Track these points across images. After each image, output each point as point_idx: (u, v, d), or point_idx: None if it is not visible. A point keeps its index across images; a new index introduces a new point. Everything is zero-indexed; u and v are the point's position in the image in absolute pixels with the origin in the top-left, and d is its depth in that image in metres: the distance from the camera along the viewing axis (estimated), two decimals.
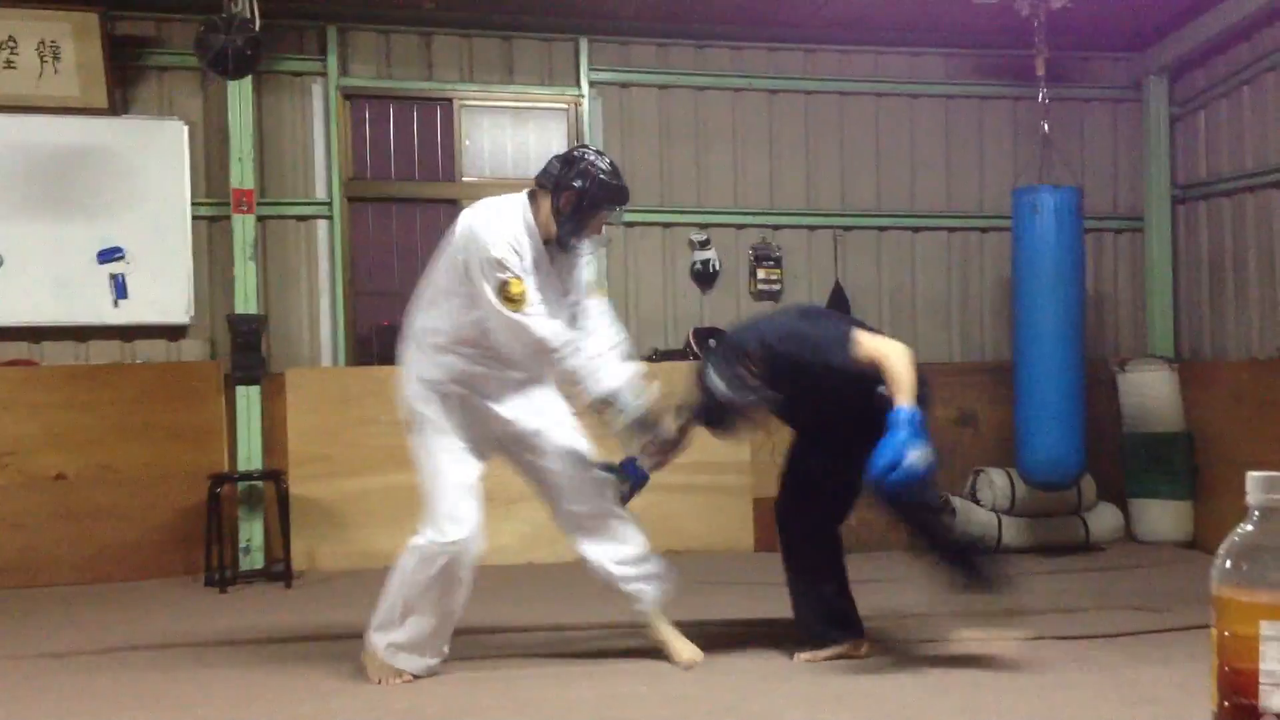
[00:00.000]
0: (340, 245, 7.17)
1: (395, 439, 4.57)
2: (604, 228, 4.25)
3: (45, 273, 6.71)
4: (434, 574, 4.04)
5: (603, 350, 4.19)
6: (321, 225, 7.21)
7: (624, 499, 4.41)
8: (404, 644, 4.14)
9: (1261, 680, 1.51)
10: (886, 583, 6.14)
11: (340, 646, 4.73)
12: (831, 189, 7.82)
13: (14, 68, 6.69)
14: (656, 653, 4.49)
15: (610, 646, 4.67)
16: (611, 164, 4.18)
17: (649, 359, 6.94)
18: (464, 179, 7.38)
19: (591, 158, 4.17)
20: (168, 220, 6.90)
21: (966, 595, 4.58)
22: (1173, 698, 3.94)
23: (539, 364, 4.16)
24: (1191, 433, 7.24)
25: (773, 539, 6.80)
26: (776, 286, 7.59)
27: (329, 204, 7.19)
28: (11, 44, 6.67)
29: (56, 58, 6.74)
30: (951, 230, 7.92)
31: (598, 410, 4.20)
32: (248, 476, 6.57)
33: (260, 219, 6.93)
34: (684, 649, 4.40)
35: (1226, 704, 1.55)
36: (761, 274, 7.61)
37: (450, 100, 7.39)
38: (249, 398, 6.71)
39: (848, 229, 7.77)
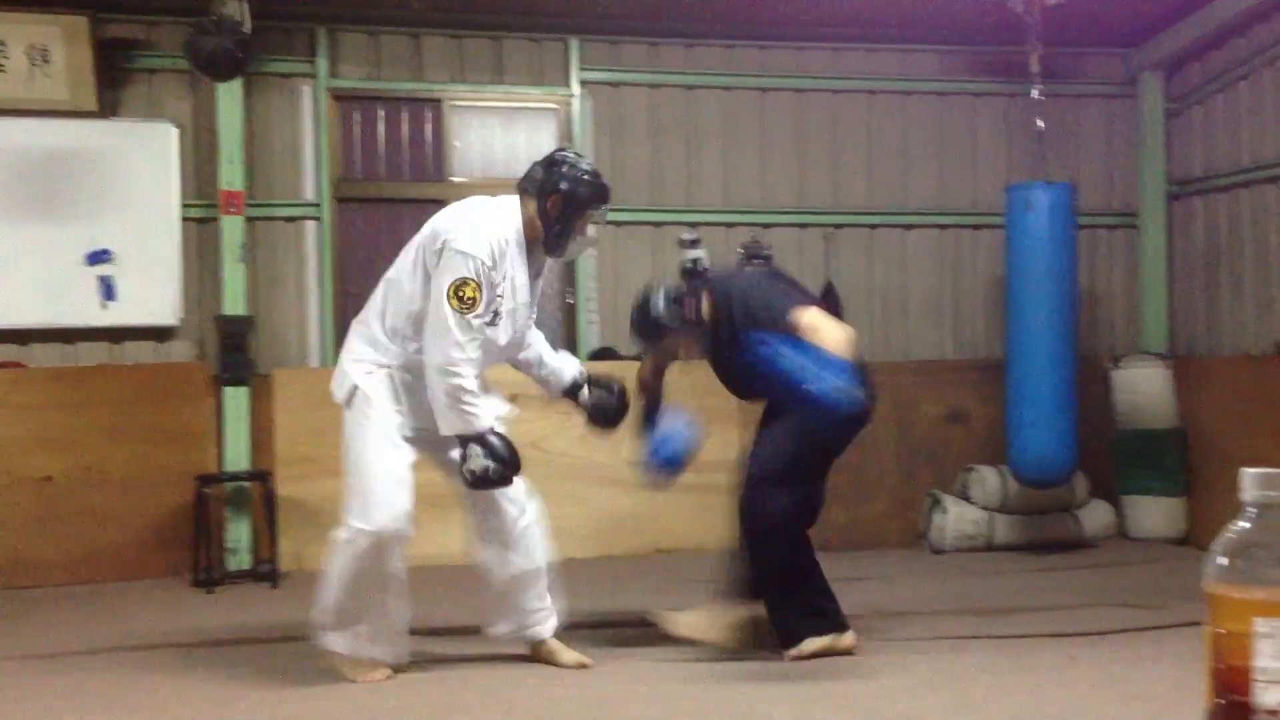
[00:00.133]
0: (329, 246, 7.14)
1: None
2: (590, 229, 4.27)
3: (33, 275, 6.67)
4: (369, 564, 4.02)
5: (552, 357, 4.50)
6: (310, 226, 7.18)
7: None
8: (368, 634, 4.12)
9: (1255, 677, 1.49)
10: (877, 580, 6.16)
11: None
12: (823, 187, 7.79)
13: (3, 70, 6.66)
14: (643, 652, 4.54)
15: (597, 646, 4.66)
16: (592, 165, 4.27)
17: (636, 359, 6.90)
18: (453, 179, 7.35)
19: (574, 160, 4.23)
20: (156, 222, 6.86)
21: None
22: (1165, 694, 3.94)
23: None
24: (1185, 429, 7.23)
25: None
26: None
27: (318, 205, 7.17)
28: (1, 47, 6.62)
29: (46, 60, 6.70)
30: (944, 228, 7.90)
31: (569, 397, 4.48)
32: (235, 477, 6.56)
33: (249, 220, 6.89)
34: (572, 656, 4.44)
35: (1220, 701, 1.54)
36: None
37: (439, 101, 7.36)
38: (237, 399, 6.68)
39: (839, 227, 7.74)
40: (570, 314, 7.50)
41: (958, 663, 4.44)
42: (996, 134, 7.96)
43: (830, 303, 7.43)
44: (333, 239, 7.16)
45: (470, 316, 3.94)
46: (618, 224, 7.27)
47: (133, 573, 6.34)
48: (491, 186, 7.37)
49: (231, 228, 6.81)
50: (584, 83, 7.50)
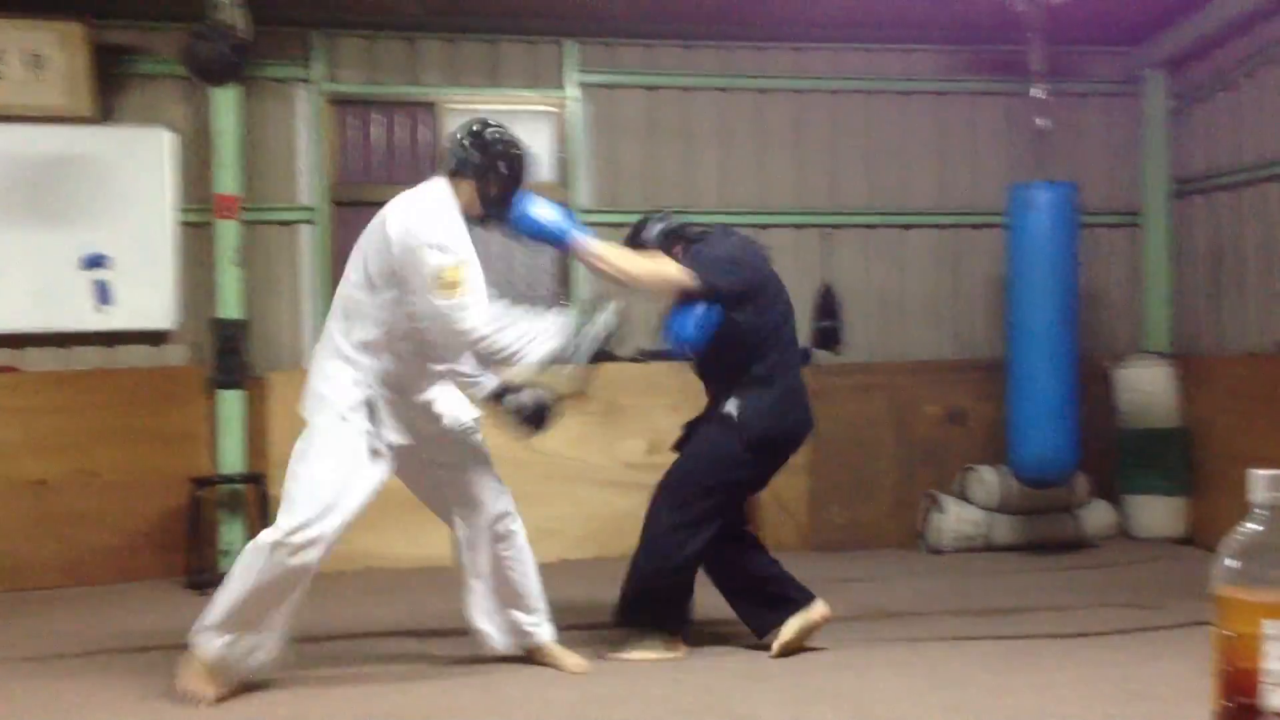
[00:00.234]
0: (324, 249, 7.12)
1: None
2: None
3: (28, 280, 6.65)
4: (285, 572, 3.92)
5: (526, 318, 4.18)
6: (305, 230, 7.18)
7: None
8: (249, 645, 3.99)
9: (1263, 679, 1.48)
10: (875, 581, 6.12)
11: (320, 648, 4.72)
12: (820, 188, 7.77)
13: (0, 77, 6.62)
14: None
15: (591, 646, 4.63)
16: (514, 133, 4.23)
17: (635, 360, 6.90)
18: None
19: (503, 135, 4.18)
20: (152, 227, 6.85)
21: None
22: (1167, 695, 3.91)
23: (462, 352, 4.15)
24: (1187, 428, 7.19)
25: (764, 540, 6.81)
26: None
27: (313, 209, 7.15)
28: None
29: (42, 67, 6.68)
30: (943, 228, 7.87)
31: (550, 366, 4.21)
32: (229, 480, 6.55)
33: (245, 224, 6.86)
34: (574, 661, 4.41)
35: (1227, 703, 1.51)
36: None
37: (434, 104, 7.33)
38: (231, 402, 6.66)
39: (837, 227, 7.72)
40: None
41: (957, 663, 4.41)
42: (997, 133, 7.92)
43: (828, 304, 7.43)
44: (328, 242, 7.13)
45: (462, 295, 3.90)
46: (614, 225, 7.21)
47: (127, 575, 6.33)
48: None
49: (227, 232, 6.78)
50: (581, 85, 7.47)
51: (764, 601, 4.60)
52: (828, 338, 7.42)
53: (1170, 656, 4.40)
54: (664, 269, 4.47)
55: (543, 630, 4.42)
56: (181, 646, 4.67)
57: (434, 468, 4.26)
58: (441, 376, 4.22)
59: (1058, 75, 7.42)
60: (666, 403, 6.22)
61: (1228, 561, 1.52)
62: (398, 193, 4.04)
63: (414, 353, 4.09)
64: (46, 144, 6.70)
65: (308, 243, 7.16)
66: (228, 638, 3.95)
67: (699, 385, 4.81)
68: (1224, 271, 7.38)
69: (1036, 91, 7.07)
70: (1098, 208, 7.78)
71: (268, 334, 7.04)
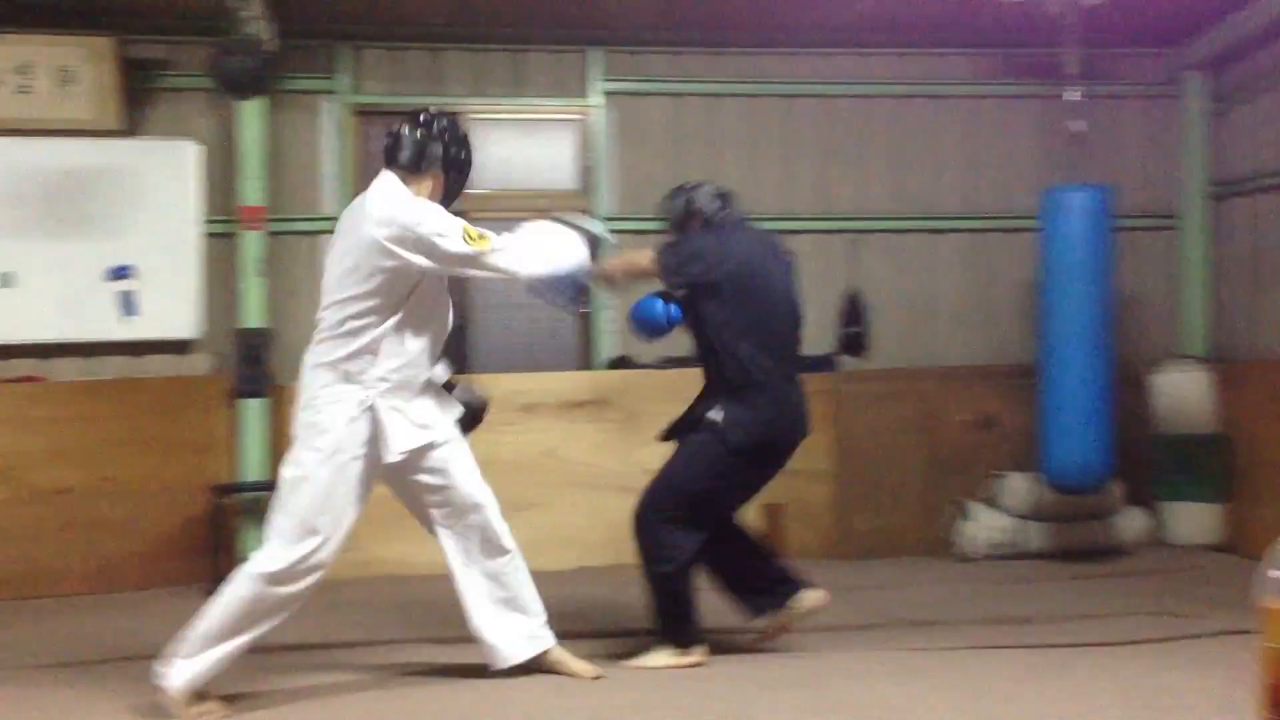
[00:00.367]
0: None
1: None
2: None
3: (55, 291, 6.76)
4: (282, 599, 3.90)
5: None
6: (329, 241, 7.18)
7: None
8: (219, 661, 3.93)
9: None
10: (902, 589, 6.01)
11: (341, 655, 4.72)
12: (848, 194, 7.71)
13: (30, 92, 6.78)
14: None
15: (609, 654, 4.58)
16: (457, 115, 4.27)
17: (658, 367, 6.85)
18: (470, 191, 7.31)
19: (450, 124, 4.16)
20: (178, 238, 6.94)
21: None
22: (1203, 706, 3.79)
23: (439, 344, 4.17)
24: (1225, 434, 7.01)
25: (781, 544, 6.72)
26: None
27: (336, 219, 7.15)
28: (28, 69, 6.77)
29: (71, 81, 6.81)
30: (975, 232, 7.77)
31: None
32: (250, 488, 6.56)
33: (269, 235, 6.92)
34: (581, 665, 4.35)
35: (1272, 717, 1.41)
36: None
37: (458, 114, 7.33)
38: (253, 411, 6.69)
39: (864, 233, 7.64)
40: (586, 323, 7.45)
41: (986, 673, 4.30)
42: (1030, 136, 7.81)
43: (853, 310, 7.33)
44: None
45: (490, 243, 3.95)
46: (638, 233, 7.20)
47: (149, 582, 6.35)
48: (510, 197, 7.44)
49: (251, 242, 6.84)
50: (605, 93, 7.48)
51: (770, 582, 4.58)
52: (853, 344, 7.31)
53: (1206, 666, 4.28)
54: (632, 258, 4.63)
55: (546, 635, 4.33)
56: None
57: (422, 473, 4.17)
58: (435, 377, 4.21)
59: (1093, 77, 7.29)
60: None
61: (1274, 573, 1.42)
62: None
63: (413, 352, 4.05)
64: (75, 157, 6.83)
65: None
66: (206, 662, 3.91)
67: None
68: (1262, 274, 7.20)
69: (1071, 94, 6.94)
70: (1134, 211, 7.63)
71: (290, 344, 7.01)
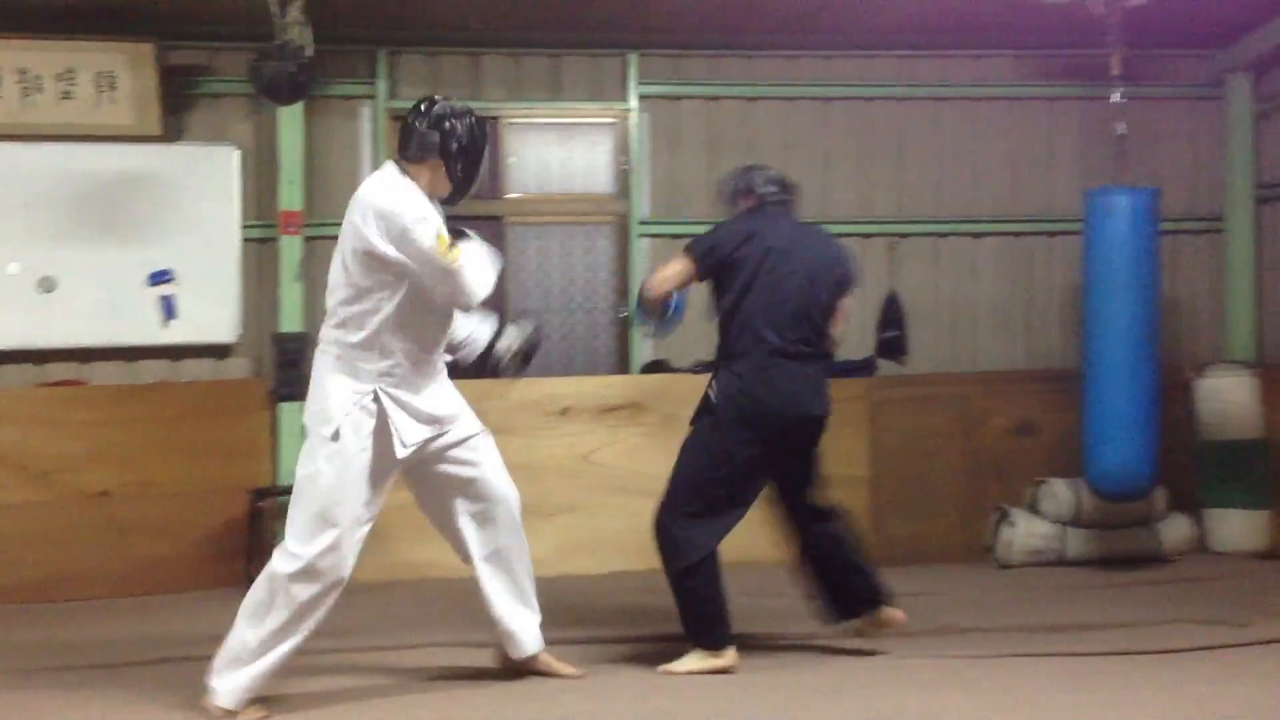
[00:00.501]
0: None
1: None
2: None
3: (96, 295, 6.84)
4: (313, 596, 3.91)
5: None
6: None
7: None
8: (264, 673, 3.94)
9: None
10: (941, 596, 5.93)
11: (378, 657, 4.72)
12: (887, 196, 7.68)
13: (72, 98, 6.86)
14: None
15: (647, 659, 4.56)
16: (465, 105, 4.20)
17: (694, 371, 6.83)
18: (509, 195, 7.37)
19: (457, 109, 4.14)
20: (217, 243, 7.00)
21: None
22: (1249, 715, 3.75)
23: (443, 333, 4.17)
24: (1270, 439, 6.93)
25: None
26: None
27: None
28: (70, 75, 6.83)
29: (112, 87, 6.88)
30: (1017, 235, 7.72)
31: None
32: (288, 490, 6.49)
33: (307, 240, 6.96)
34: (567, 667, 4.38)
35: None
36: None
37: (496, 118, 7.38)
38: (291, 414, 6.71)
39: (904, 236, 7.60)
40: (624, 327, 7.44)
41: (1027, 682, 4.25)
42: (1073, 139, 7.76)
43: (892, 313, 7.28)
44: None
45: (460, 256, 3.93)
46: (674, 236, 7.20)
47: (187, 584, 6.37)
48: (547, 201, 7.44)
49: (290, 247, 6.89)
50: (643, 97, 7.48)
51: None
52: (892, 348, 7.25)
53: (1251, 676, 4.23)
54: (665, 270, 4.66)
55: (538, 638, 4.38)
56: None
57: (443, 463, 4.18)
58: (441, 366, 4.22)
59: (1137, 79, 7.21)
60: None
61: None
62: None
63: (414, 343, 4.04)
64: (116, 162, 6.90)
65: None
66: (248, 677, 3.92)
67: None
68: None
69: (1116, 96, 6.86)
70: (1179, 214, 7.56)
71: None
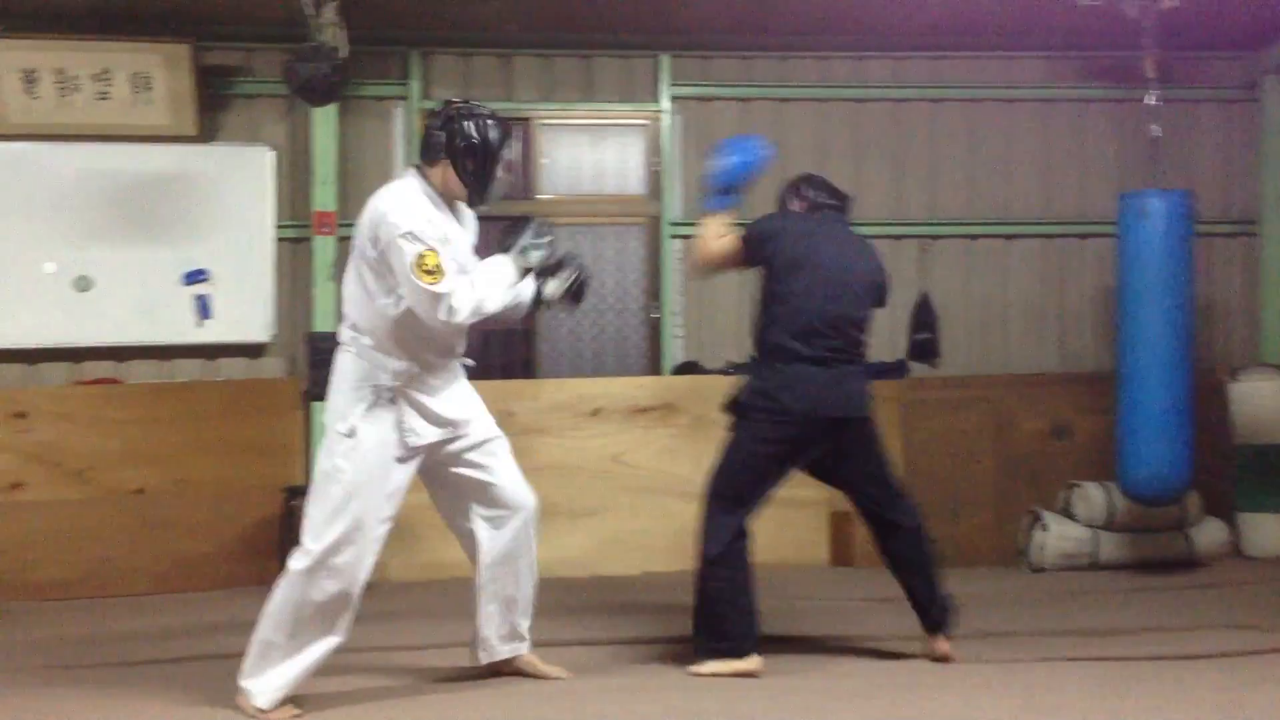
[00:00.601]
0: None
1: None
2: (507, 169, 4.21)
3: (132, 295, 6.90)
4: (333, 594, 3.91)
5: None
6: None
7: None
8: (298, 675, 3.96)
9: None
10: (971, 599, 5.84)
11: (409, 657, 4.71)
12: (919, 198, 7.66)
13: (108, 98, 6.91)
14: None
15: (678, 661, 4.54)
16: (486, 107, 4.18)
17: (725, 372, 6.82)
18: (540, 196, 7.38)
19: (469, 109, 4.12)
20: (252, 242, 7.05)
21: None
22: None
23: (458, 338, 4.16)
24: None
25: (849, 554, 6.68)
26: None
27: None
28: (106, 75, 6.88)
29: (148, 88, 6.93)
30: (1049, 238, 7.69)
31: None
32: None
33: (340, 240, 6.98)
34: (552, 668, 4.39)
35: None
36: None
37: (528, 119, 7.40)
38: (324, 413, 6.73)
39: (936, 238, 7.58)
40: (655, 329, 7.45)
41: (1059, 686, 4.22)
42: (1107, 140, 7.72)
43: (924, 315, 7.26)
44: None
45: (443, 280, 3.86)
46: None
47: (220, 582, 6.40)
48: (579, 202, 7.45)
49: (323, 247, 6.93)
50: (674, 98, 7.48)
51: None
52: (924, 350, 7.23)
53: None
54: (713, 245, 4.71)
55: (528, 639, 4.39)
56: None
57: (459, 465, 4.19)
58: (458, 368, 4.22)
59: (1172, 81, 7.15)
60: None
61: None
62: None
63: (427, 346, 4.05)
64: (152, 162, 6.96)
65: None
66: (281, 679, 3.93)
67: None
68: None
69: (1150, 98, 6.82)
70: (1213, 216, 7.51)
71: None
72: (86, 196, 6.88)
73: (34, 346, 6.86)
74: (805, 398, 4.46)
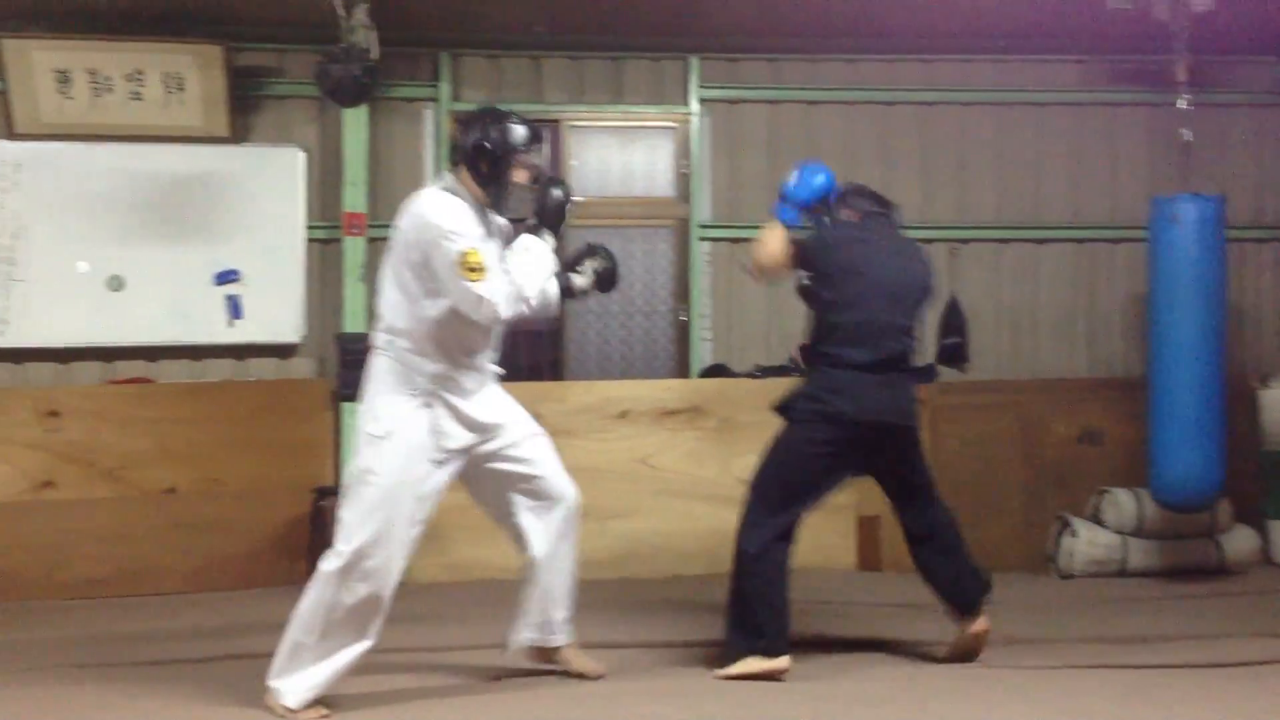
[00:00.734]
0: None
1: None
2: (523, 174, 4.17)
3: (164, 294, 6.93)
4: (363, 597, 3.94)
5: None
6: None
7: None
8: (328, 678, 3.98)
9: None
10: (1000, 605, 5.79)
11: (436, 658, 4.73)
12: (949, 201, 7.63)
13: (141, 99, 6.95)
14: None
15: (707, 664, 4.55)
16: (514, 112, 4.19)
17: (753, 375, 6.82)
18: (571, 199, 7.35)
19: (489, 113, 4.16)
20: (282, 243, 7.08)
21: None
22: None
23: (493, 339, 4.19)
24: None
25: (876, 559, 6.67)
26: None
27: None
28: (139, 76, 6.93)
29: (181, 88, 6.97)
30: (1080, 242, 7.65)
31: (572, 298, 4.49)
32: None
33: (370, 241, 7.01)
34: (590, 663, 4.43)
35: None
36: None
37: (558, 121, 7.41)
38: (354, 413, 6.72)
39: (966, 242, 7.55)
40: (683, 331, 7.45)
41: (1087, 693, 4.21)
42: (1137, 145, 7.67)
43: (953, 320, 7.23)
44: None
45: (487, 278, 3.89)
46: (734, 240, 7.21)
47: (251, 582, 6.44)
48: (608, 204, 7.45)
49: (353, 248, 6.94)
50: (703, 100, 7.48)
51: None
52: (953, 355, 7.20)
53: None
54: (769, 246, 4.79)
55: (568, 631, 4.41)
56: None
57: (499, 461, 4.22)
58: (491, 372, 4.25)
59: (1203, 85, 7.10)
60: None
61: None
62: None
63: (461, 348, 4.08)
64: (184, 163, 7.00)
65: None
66: (313, 680, 3.95)
67: None
68: None
69: (1181, 102, 6.78)
70: (1244, 221, 7.46)
71: None
72: (119, 196, 6.93)
73: (66, 346, 6.90)
74: (854, 401, 4.48)
